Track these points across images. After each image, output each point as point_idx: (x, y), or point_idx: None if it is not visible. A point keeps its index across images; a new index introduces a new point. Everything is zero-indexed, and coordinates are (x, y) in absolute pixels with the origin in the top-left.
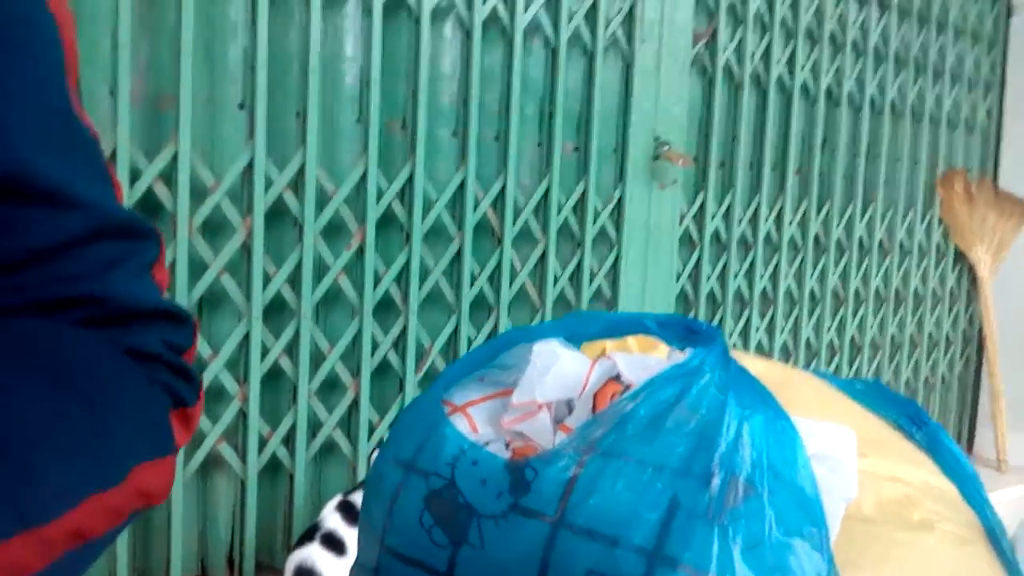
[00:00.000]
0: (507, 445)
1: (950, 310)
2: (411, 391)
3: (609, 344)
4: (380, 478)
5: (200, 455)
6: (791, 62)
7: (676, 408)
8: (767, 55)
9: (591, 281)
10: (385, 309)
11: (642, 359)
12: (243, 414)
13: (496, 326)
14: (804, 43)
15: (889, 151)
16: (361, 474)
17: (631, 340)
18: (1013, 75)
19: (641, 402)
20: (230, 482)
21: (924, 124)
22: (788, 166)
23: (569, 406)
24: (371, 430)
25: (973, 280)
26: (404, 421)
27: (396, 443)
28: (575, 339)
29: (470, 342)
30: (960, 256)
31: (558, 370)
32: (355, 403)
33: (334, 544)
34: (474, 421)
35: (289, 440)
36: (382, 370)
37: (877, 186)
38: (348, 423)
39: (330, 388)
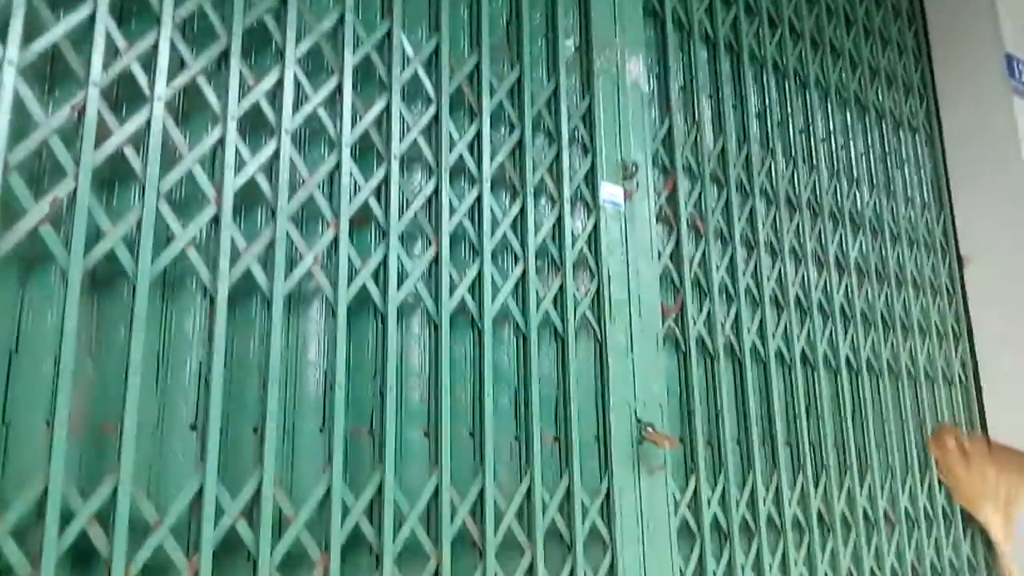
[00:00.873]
0: None
1: None
2: None
3: None
4: None
5: None
6: (761, 329)
7: None
8: (737, 324)
9: None
10: None
11: None
12: None
13: None
14: (771, 309)
15: (875, 412)
16: None
17: None
18: (977, 324)
19: None
20: None
21: (903, 380)
22: (776, 438)
23: None
24: None
25: (989, 544)
26: None
27: None
28: None
29: None
30: (969, 519)
31: None
32: None
33: None
34: None
35: None
36: None
37: (870, 451)
38: None
39: None
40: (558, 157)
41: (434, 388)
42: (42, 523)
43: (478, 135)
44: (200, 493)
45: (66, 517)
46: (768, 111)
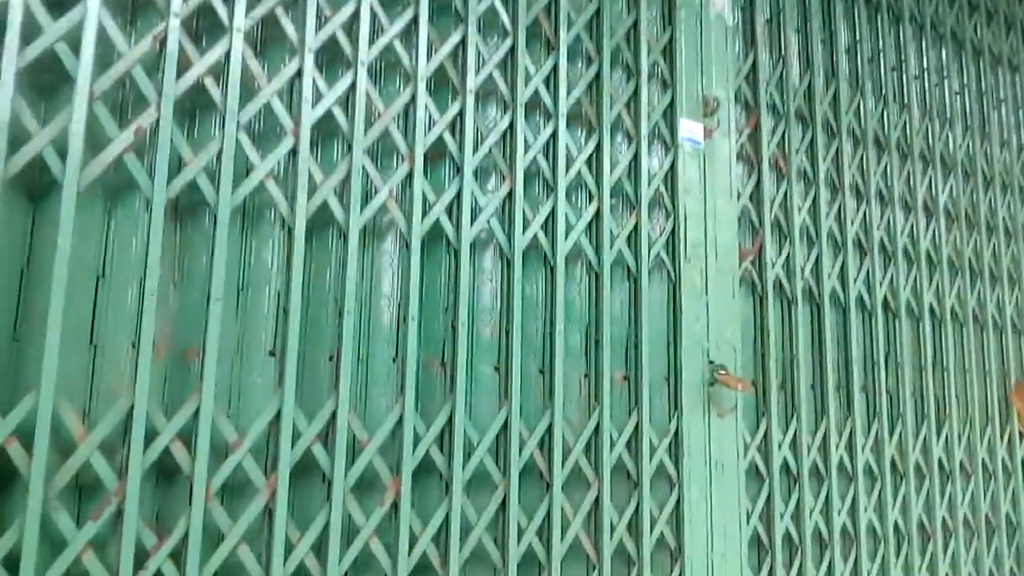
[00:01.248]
0: None
1: None
2: None
3: None
4: None
5: None
6: (843, 274)
7: None
8: (817, 268)
9: (652, 528)
10: (421, 574)
11: None
12: None
13: None
14: (854, 254)
15: (956, 362)
16: None
17: None
18: None
19: None
20: None
21: (988, 330)
22: (852, 384)
23: None
24: None
25: None
26: None
27: None
28: None
29: None
30: None
31: None
32: None
33: None
34: None
35: None
36: None
37: (949, 401)
38: None
39: None
40: (636, 92)
41: (505, 324)
42: (128, 440)
43: (554, 69)
44: (278, 417)
45: (151, 435)
46: (858, 46)
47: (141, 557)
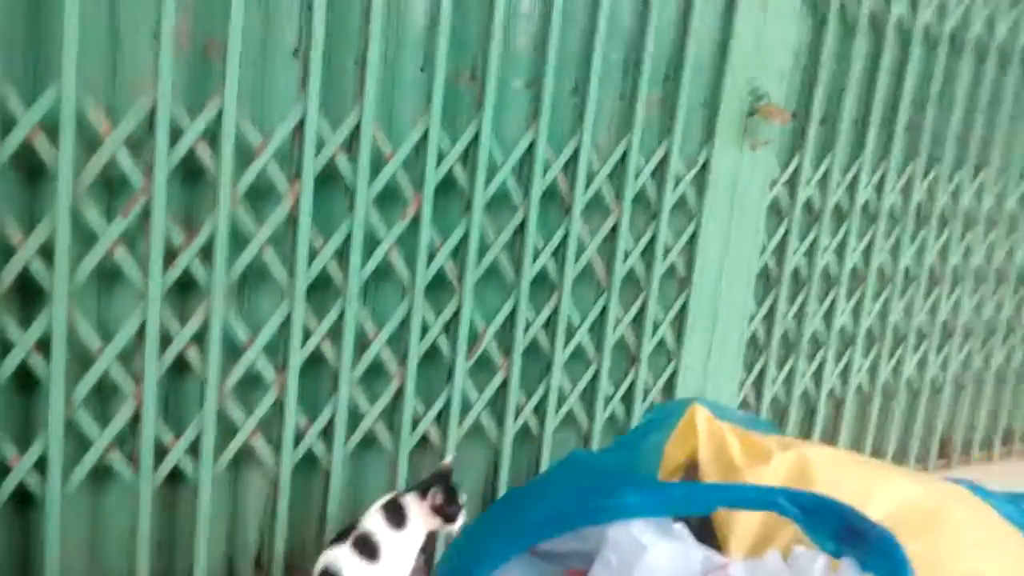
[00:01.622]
0: None
1: None
2: (460, 380)
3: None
4: None
5: (232, 448)
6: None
7: None
8: None
9: (664, 257)
10: (437, 287)
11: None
12: (279, 404)
13: (557, 308)
14: None
15: (1011, 105)
16: (402, 472)
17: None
18: None
19: None
20: (263, 478)
21: None
22: (897, 122)
23: None
24: (415, 423)
25: None
26: None
27: None
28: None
29: (528, 326)
30: None
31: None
32: (399, 393)
33: (367, 548)
34: None
35: (327, 433)
36: (430, 356)
37: (992, 147)
38: (391, 415)
39: (373, 376)
40: None
41: (542, 34)
42: (153, 137)
43: None
44: (302, 124)
45: (175, 134)
46: None
47: (172, 253)
